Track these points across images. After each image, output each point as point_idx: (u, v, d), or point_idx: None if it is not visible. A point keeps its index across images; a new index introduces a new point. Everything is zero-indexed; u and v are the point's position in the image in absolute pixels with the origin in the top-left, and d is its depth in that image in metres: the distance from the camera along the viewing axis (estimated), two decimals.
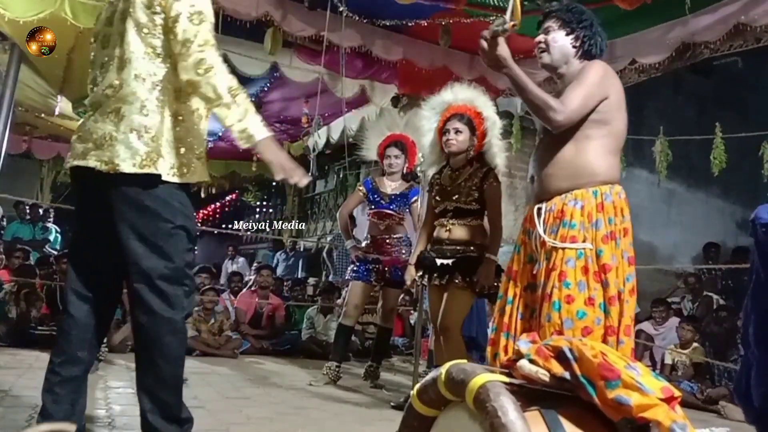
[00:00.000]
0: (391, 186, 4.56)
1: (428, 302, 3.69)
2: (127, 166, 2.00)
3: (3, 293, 5.36)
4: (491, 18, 3.89)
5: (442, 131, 3.61)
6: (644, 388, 1.11)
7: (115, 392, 3.41)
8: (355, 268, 4.52)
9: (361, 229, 6.53)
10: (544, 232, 2.33)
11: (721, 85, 8.37)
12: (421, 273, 3.59)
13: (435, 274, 3.52)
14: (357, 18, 5.13)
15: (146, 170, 2.02)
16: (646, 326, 5.93)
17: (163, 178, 2.04)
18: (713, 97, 8.29)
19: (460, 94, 3.69)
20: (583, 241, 2.26)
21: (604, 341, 2.21)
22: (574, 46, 2.45)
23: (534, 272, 2.39)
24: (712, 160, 5.61)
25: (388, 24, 5.34)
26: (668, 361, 5.45)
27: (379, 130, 4.75)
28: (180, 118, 2.10)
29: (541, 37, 2.47)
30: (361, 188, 4.66)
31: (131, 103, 2.04)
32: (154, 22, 2.05)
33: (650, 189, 7.69)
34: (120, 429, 2.63)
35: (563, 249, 2.27)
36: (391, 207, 4.52)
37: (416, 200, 4.52)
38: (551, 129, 2.33)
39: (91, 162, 2.04)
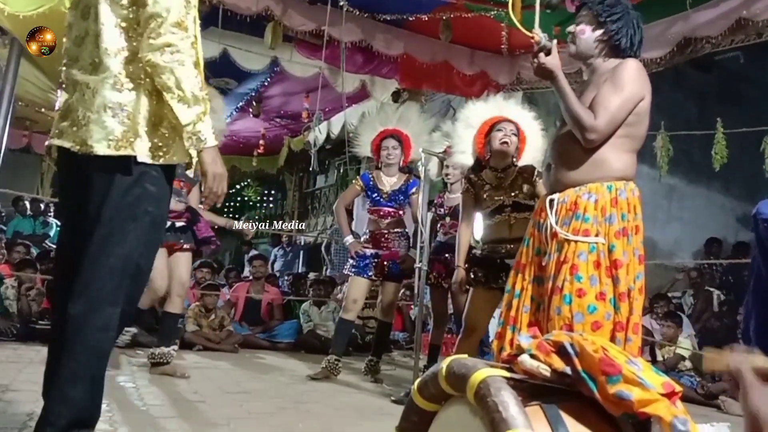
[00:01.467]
0: (389, 182, 4.55)
1: (468, 303, 3.53)
2: (101, 148, 1.86)
3: (4, 288, 5.37)
4: (492, 13, 3.88)
5: (487, 133, 3.68)
6: (645, 383, 1.11)
7: (114, 386, 3.41)
8: (354, 263, 4.52)
9: (361, 223, 6.54)
10: (557, 223, 2.32)
11: (722, 80, 8.34)
12: (480, 273, 3.49)
13: (492, 275, 3.45)
14: (357, 12, 5.12)
15: (122, 152, 1.87)
16: (646, 320, 5.93)
17: (139, 159, 1.89)
18: (714, 92, 8.27)
19: (504, 108, 3.86)
20: (596, 236, 2.25)
21: (613, 337, 2.21)
22: (601, 41, 2.42)
23: (543, 264, 2.37)
24: (713, 155, 5.60)
25: (388, 18, 5.32)
26: (660, 358, 5.46)
27: (371, 125, 4.75)
28: (160, 93, 1.92)
29: (571, 28, 2.46)
30: (359, 182, 4.65)
31: (104, 80, 1.89)
32: None
33: (651, 184, 7.66)
34: (120, 424, 2.63)
35: (576, 242, 2.25)
36: (391, 204, 4.53)
37: (415, 191, 4.51)
38: (584, 145, 2.32)
39: (67, 142, 1.91)
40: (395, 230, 4.55)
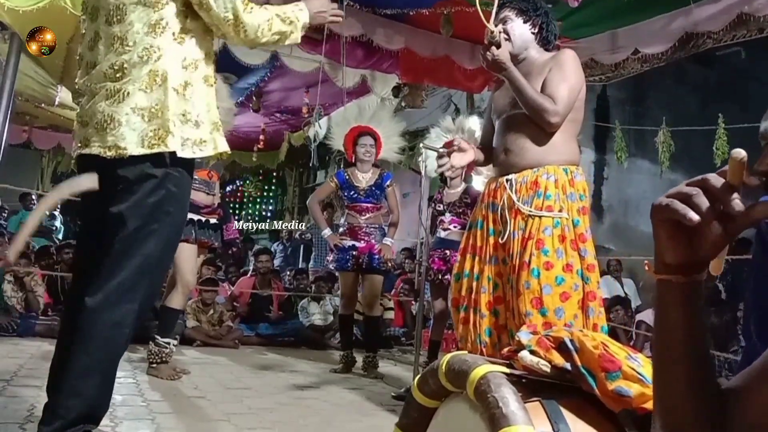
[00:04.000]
0: (365, 178, 4.64)
1: None
2: (134, 148, 1.88)
3: (4, 282, 5.37)
4: (491, 7, 3.86)
5: None
6: (645, 379, 1.11)
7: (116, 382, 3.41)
8: (336, 257, 4.58)
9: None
10: (518, 201, 2.41)
11: (724, 75, 8.31)
12: None
13: None
14: (358, 7, 5.10)
15: (156, 149, 1.90)
16: (647, 316, 5.92)
17: (178, 154, 1.92)
18: (716, 88, 8.24)
19: None
20: (560, 211, 2.36)
21: (584, 306, 2.33)
22: (533, 33, 2.58)
23: (502, 242, 2.44)
24: (715, 150, 5.59)
25: (389, 13, 5.30)
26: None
27: (346, 121, 4.87)
28: (189, 87, 1.98)
29: (500, 27, 2.54)
30: (333, 180, 4.74)
31: (133, 81, 1.91)
32: None
33: (652, 179, 7.66)
34: (121, 419, 2.63)
35: (540, 218, 2.36)
36: (369, 200, 4.62)
37: (390, 184, 4.64)
38: (546, 129, 2.44)
39: (95, 149, 1.92)
40: (373, 225, 4.63)
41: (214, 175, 4.20)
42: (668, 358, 0.82)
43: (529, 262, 2.31)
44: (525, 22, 2.58)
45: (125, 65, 1.93)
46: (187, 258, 3.97)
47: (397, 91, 6.82)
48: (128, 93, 1.91)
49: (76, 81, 2.11)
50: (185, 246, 3.83)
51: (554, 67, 2.47)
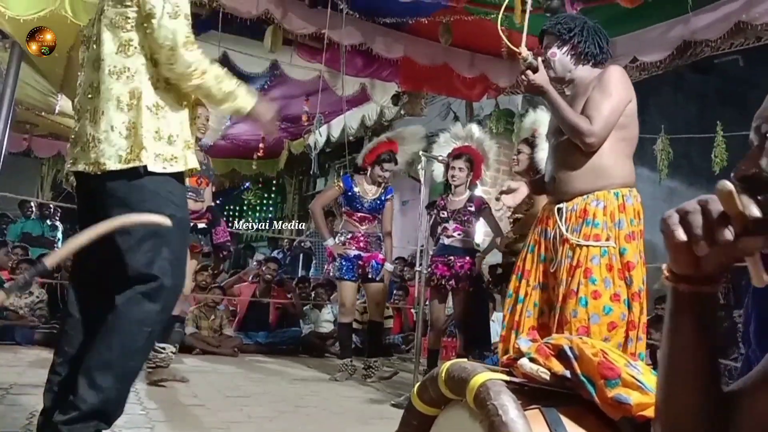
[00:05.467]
0: (371, 190, 4.68)
1: None
2: (112, 164, 1.99)
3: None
4: (491, 16, 3.89)
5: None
6: (644, 386, 1.11)
7: None
8: (338, 266, 4.57)
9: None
10: (567, 230, 2.41)
11: (722, 83, 8.34)
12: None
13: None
14: (358, 16, 5.12)
15: (132, 164, 2.00)
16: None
17: (150, 168, 2.01)
18: (714, 96, 8.27)
19: None
20: (607, 240, 2.36)
21: (626, 336, 2.33)
22: (572, 55, 2.56)
23: (552, 270, 2.46)
24: (713, 158, 5.61)
25: (388, 22, 5.32)
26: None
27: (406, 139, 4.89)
28: (162, 107, 2.07)
29: (540, 57, 2.56)
30: (339, 184, 4.72)
31: (108, 100, 2.02)
32: (125, 16, 2.04)
33: (651, 187, 7.65)
34: (120, 427, 2.62)
35: (587, 247, 2.35)
36: (370, 212, 4.67)
37: (390, 198, 4.69)
38: (585, 149, 2.42)
39: (80, 166, 2.05)
40: (372, 234, 4.67)
41: (204, 182, 4.18)
42: (672, 364, 0.82)
43: (577, 290, 2.32)
44: (562, 45, 2.56)
45: (100, 84, 2.04)
46: None
47: (396, 99, 6.84)
48: (103, 111, 2.02)
49: (74, 104, 2.24)
50: None
51: (597, 85, 2.44)
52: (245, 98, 2.22)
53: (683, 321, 0.80)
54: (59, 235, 8.80)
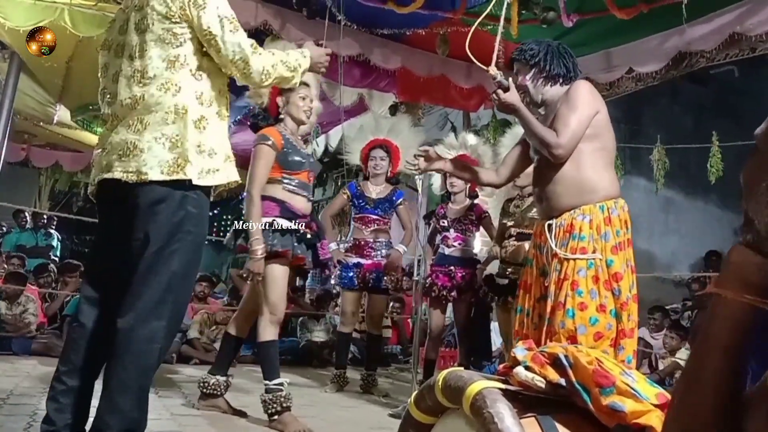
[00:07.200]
0: (375, 190, 4.62)
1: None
2: (155, 174, 2.01)
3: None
4: (488, 27, 3.91)
5: None
6: (639, 394, 1.12)
7: None
8: (341, 275, 4.54)
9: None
10: (556, 245, 2.49)
11: (717, 93, 8.40)
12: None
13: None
14: (355, 27, 5.15)
15: (175, 176, 2.03)
16: (644, 333, 5.93)
17: (194, 182, 2.05)
18: (710, 106, 8.32)
19: None
20: (593, 252, 2.44)
21: (616, 344, 2.40)
22: (541, 78, 2.69)
23: (546, 284, 2.54)
24: (709, 168, 5.64)
25: (386, 33, 5.36)
26: (661, 366, 5.47)
27: (364, 135, 4.84)
28: (205, 121, 2.12)
29: (498, 71, 2.66)
30: (345, 191, 4.71)
31: (155, 113, 2.06)
32: (173, 32, 2.09)
33: (648, 197, 7.71)
34: None
35: (574, 260, 2.44)
36: (377, 212, 4.58)
37: (402, 202, 4.59)
38: (552, 160, 2.53)
39: (117, 173, 2.06)
40: (379, 239, 4.58)
41: (312, 177, 3.42)
42: (700, 368, 0.82)
43: (564, 302, 2.40)
44: (530, 70, 2.70)
45: (145, 96, 2.07)
46: (277, 278, 3.16)
47: (394, 109, 6.87)
48: (149, 123, 2.06)
49: (102, 111, 2.27)
50: (276, 266, 3.13)
51: (564, 101, 2.56)
52: (303, 61, 2.40)
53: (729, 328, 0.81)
54: (55, 242, 8.76)
